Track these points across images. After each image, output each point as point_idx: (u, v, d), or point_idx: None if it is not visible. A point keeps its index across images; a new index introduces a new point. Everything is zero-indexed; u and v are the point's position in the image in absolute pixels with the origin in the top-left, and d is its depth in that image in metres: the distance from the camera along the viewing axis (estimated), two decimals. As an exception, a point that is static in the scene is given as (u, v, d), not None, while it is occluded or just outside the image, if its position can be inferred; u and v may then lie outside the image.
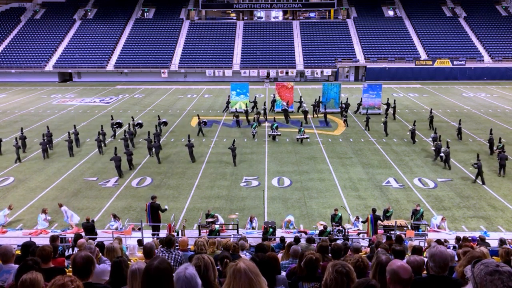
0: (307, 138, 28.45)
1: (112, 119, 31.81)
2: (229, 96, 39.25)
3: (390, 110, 35.58)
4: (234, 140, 26.14)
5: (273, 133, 29.62)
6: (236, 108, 37.16)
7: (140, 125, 31.19)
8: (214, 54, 60.03)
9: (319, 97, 38.06)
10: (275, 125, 30.09)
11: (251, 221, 17.55)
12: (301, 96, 40.91)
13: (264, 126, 33.08)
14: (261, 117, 34.33)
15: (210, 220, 16.75)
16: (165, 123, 32.11)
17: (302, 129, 29.39)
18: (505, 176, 22.81)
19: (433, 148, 25.66)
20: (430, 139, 27.81)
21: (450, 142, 26.46)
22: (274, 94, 39.16)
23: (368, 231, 16.38)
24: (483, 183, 21.81)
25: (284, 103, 36.66)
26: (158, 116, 33.70)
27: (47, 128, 29.24)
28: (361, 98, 38.24)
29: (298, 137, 28.56)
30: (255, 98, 39.76)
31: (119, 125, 30.91)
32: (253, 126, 30.86)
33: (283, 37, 63.15)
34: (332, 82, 41.23)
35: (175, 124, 34.66)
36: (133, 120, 32.20)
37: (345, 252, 8.46)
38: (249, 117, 34.72)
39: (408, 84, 52.25)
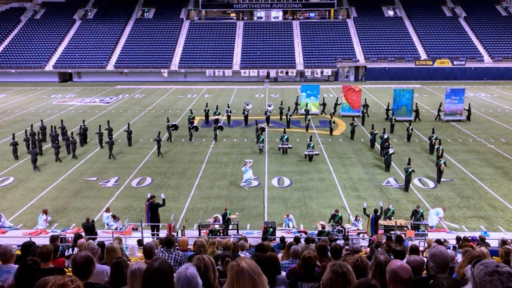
0: (317, 154, 25.75)
1: (168, 121, 30.98)
2: (297, 97, 38.60)
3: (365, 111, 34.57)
4: (159, 132, 27.18)
5: (283, 145, 26.98)
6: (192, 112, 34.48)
7: (175, 126, 30.17)
8: (214, 54, 60.02)
9: (389, 103, 35.91)
10: (285, 137, 27.22)
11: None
12: (297, 97, 39.83)
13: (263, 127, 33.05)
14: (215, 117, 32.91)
15: (233, 216, 17.33)
16: (175, 127, 30.40)
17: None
18: (439, 183, 21.87)
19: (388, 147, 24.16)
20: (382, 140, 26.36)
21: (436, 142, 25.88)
22: (338, 97, 37.90)
23: (367, 231, 16.39)
24: (407, 190, 21.02)
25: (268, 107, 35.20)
26: (167, 118, 32.42)
27: (41, 121, 30.87)
28: (441, 103, 35.75)
29: (306, 153, 25.62)
30: (324, 99, 38.70)
31: (175, 127, 30.06)
32: (261, 140, 27.56)
33: (283, 37, 63.14)
34: (404, 88, 37.17)
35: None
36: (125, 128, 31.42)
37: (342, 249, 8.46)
38: (248, 117, 34.63)
39: (408, 84, 52.09)
